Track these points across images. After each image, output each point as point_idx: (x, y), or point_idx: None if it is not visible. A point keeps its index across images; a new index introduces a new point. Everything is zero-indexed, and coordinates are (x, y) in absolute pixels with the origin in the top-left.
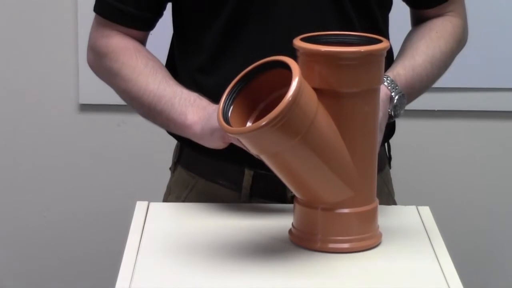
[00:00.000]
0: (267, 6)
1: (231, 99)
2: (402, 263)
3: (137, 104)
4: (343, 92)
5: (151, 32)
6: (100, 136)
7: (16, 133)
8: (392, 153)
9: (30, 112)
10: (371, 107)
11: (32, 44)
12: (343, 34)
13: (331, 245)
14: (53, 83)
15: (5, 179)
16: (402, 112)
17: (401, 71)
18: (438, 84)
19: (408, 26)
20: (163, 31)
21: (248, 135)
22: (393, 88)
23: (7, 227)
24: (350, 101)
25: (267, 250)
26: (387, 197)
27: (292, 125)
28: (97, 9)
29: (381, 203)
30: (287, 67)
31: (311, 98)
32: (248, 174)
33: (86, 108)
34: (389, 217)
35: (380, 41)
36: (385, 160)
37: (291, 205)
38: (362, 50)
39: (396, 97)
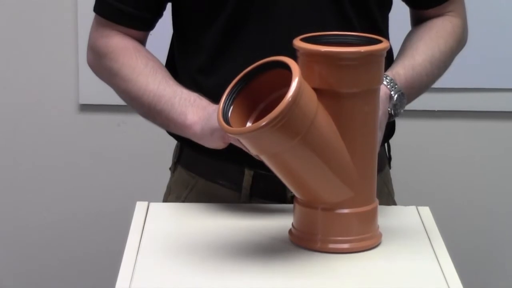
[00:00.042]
0: (267, 6)
1: (231, 99)
2: (402, 263)
3: (137, 104)
4: (343, 92)
5: (151, 32)
6: (100, 137)
7: (16, 133)
8: (392, 153)
9: (30, 112)
10: (371, 107)
11: (32, 44)
12: (343, 34)
13: (331, 245)
14: (53, 83)
15: (5, 179)
16: (402, 111)
17: (400, 71)
18: (438, 84)
19: (408, 26)
20: (163, 31)
21: (248, 135)
22: (392, 87)
23: (7, 227)
24: (350, 102)
25: (267, 250)
26: (387, 197)
27: (292, 126)
28: (97, 9)
29: (381, 203)
30: (287, 67)
31: (311, 98)
32: (248, 174)
33: (86, 108)
34: (389, 217)
35: (380, 42)
36: (385, 160)
37: (291, 205)
38: (362, 51)
39: (396, 96)
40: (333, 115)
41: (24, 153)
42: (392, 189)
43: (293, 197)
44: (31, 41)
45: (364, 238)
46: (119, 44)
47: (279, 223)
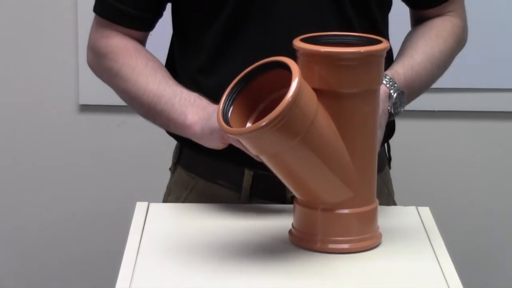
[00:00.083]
0: (267, 6)
1: (231, 99)
2: (402, 264)
3: (137, 104)
4: (343, 92)
5: (151, 32)
6: (100, 137)
7: (16, 133)
8: (392, 153)
9: (30, 112)
10: (370, 108)
11: (32, 44)
12: (343, 34)
13: (331, 246)
14: (53, 83)
15: (5, 179)
16: (402, 110)
17: (400, 70)
18: (438, 84)
19: (408, 26)
20: (163, 31)
21: (248, 135)
22: (392, 86)
23: (7, 227)
24: (349, 102)
25: (267, 250)
26: (387, 198)
27: (292, 126)
28: (97, 9)
29: (380, 204)
30: (287, 67)
31: (311, 98)
32: (248, 175)
33: (86, 108)
34: (389, 217)
35: (380, 42)
36: (385, 160)
37: (291, 206)
38: (361, 51)
39: (395, 94)
40: (333, 115)
41: (24, 153)
42: (392, 189)
43: (293, 197)
44: (31, 41)
45: (364, 238)
46: (119, 44)
47: (279, 223)
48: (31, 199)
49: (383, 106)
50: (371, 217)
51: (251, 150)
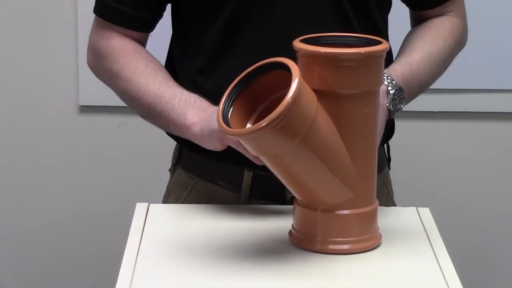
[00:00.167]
0: (267, 6)
1: (231, 100)
2: (402, 264)
3: (137, 105)
4: (343, 93)
5: (151, 33)
6: (100, 138)
7: (16, 133)
8: (391, 154)
9: (30, 113)
10: (370, 109)
11: (32, 44)
12: (343, 35)
13: (331, 246)
14: (53, 84)
15: (5, 179)
16: (402, 106)
17: (397, 67)
18: (437, 85)
19: (407, 27)
20: (162, 32)
21: (248, 136)
22: (389, 83)
23: (7, 227)
24: (349, 103)
25: (267, 251)
26: (387, 198)
27: (292, 127)
28: (97, 10)
29: (380, 204)
30: (287, 68)
31: (311, 99)
32: (247, 175)
33: (86, 109)
34: (389, 218)
35: (379, 43)
36: (384, 161)
37: (290, 206)
38: (361, 52)
39: (393, 91)
40: (333, 116)
41: (24, 154)
42: (392, 190)
43: (292, 198)
44: (31, 41)
45: (364, 239)
46: (119, 45)
47: (278, 224)
48: (31, 199)
49: (382, 103)
50: (371, 218)
51: (251, 151)
